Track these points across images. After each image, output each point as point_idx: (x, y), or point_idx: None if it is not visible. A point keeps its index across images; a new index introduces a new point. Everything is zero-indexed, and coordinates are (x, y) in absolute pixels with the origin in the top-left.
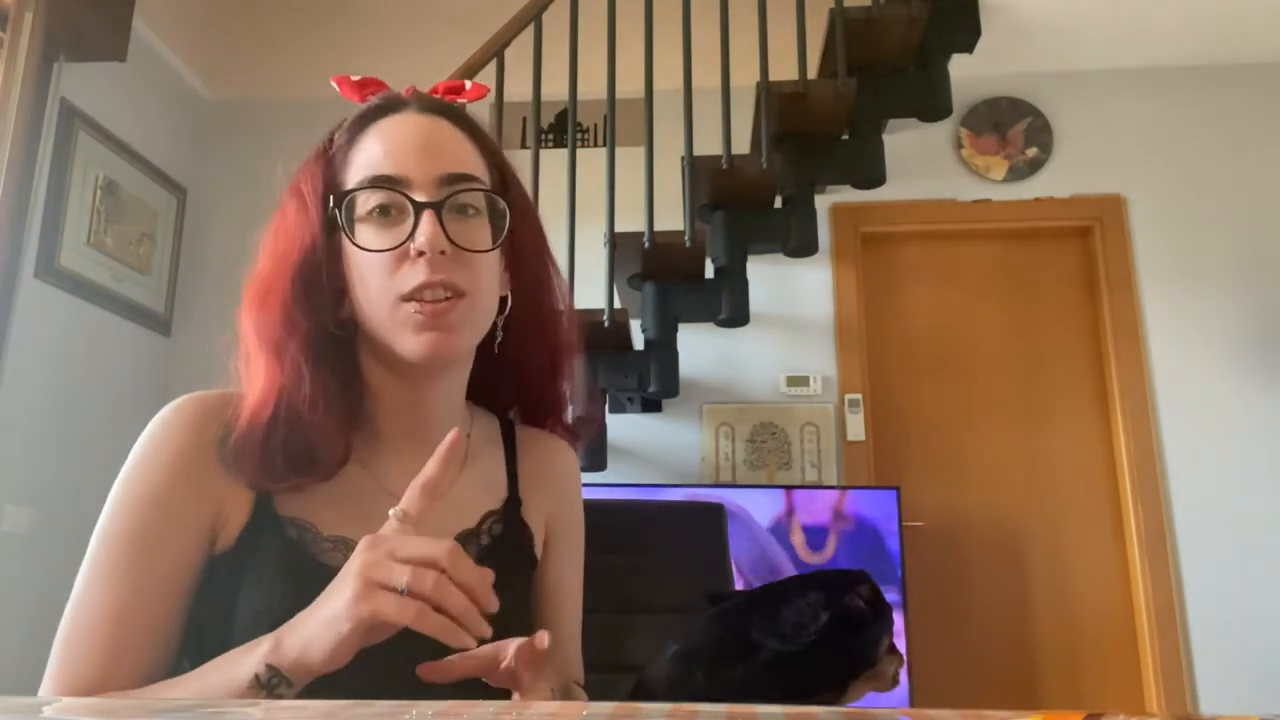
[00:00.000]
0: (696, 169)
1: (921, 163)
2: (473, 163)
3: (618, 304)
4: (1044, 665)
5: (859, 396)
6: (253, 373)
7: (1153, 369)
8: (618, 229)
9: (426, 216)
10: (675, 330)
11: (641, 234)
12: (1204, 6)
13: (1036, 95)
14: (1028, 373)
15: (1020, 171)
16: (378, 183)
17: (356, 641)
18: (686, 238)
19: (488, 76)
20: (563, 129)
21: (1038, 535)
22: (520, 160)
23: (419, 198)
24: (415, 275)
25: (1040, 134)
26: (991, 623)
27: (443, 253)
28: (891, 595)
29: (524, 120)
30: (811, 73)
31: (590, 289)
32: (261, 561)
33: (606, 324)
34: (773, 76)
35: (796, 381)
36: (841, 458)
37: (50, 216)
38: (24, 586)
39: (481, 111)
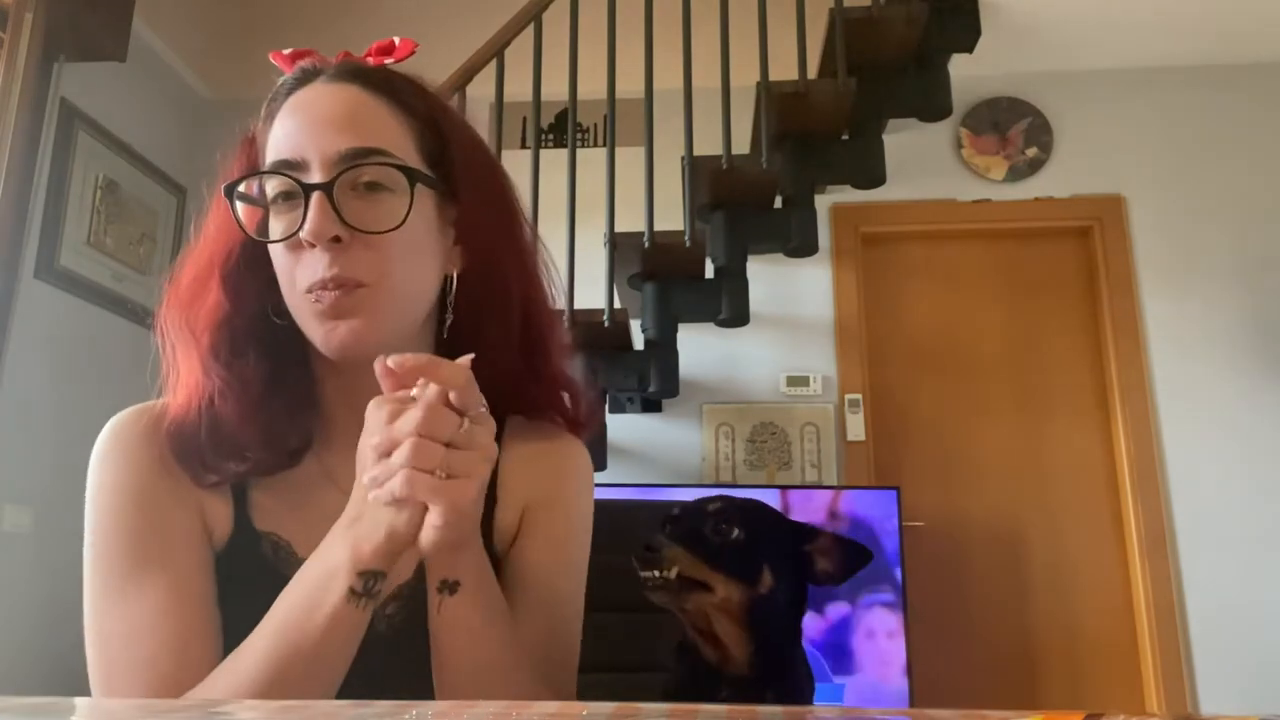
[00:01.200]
0: (696, 169)
1: (921, 163)
2: (386, 133)
3: (618, 304)
4: (1044, 665)
5: (859, 396)
6: (179, 366)
7: (1153, 369)
8: (618, 229)
9: (315, 200)
10: (675, 330)
11: (641, 234)
12: (1204, 6)
13: (1036, 95)
14: (1028, 373)
15: (1020, 171)
16: (274, 168)
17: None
18: (686, 238)
19: (488, 76)
20: (563, 129)
21: (1038, 535)
22: (520, 160)
23: (313, 179)
24: (311, 269)
25: (1040, 134)
26: (991, 623)
27: (337, 239)
28: (892, 595)
29: (524, 120)
30: (811, 73)
31: (590, 289)
32: (239, 576)
33: (606, 324)
34: (773, 76)
35: (796, 381)
36: (841, 458)
37: (50, 216)
38: (24, 586)
39: (481, 112)
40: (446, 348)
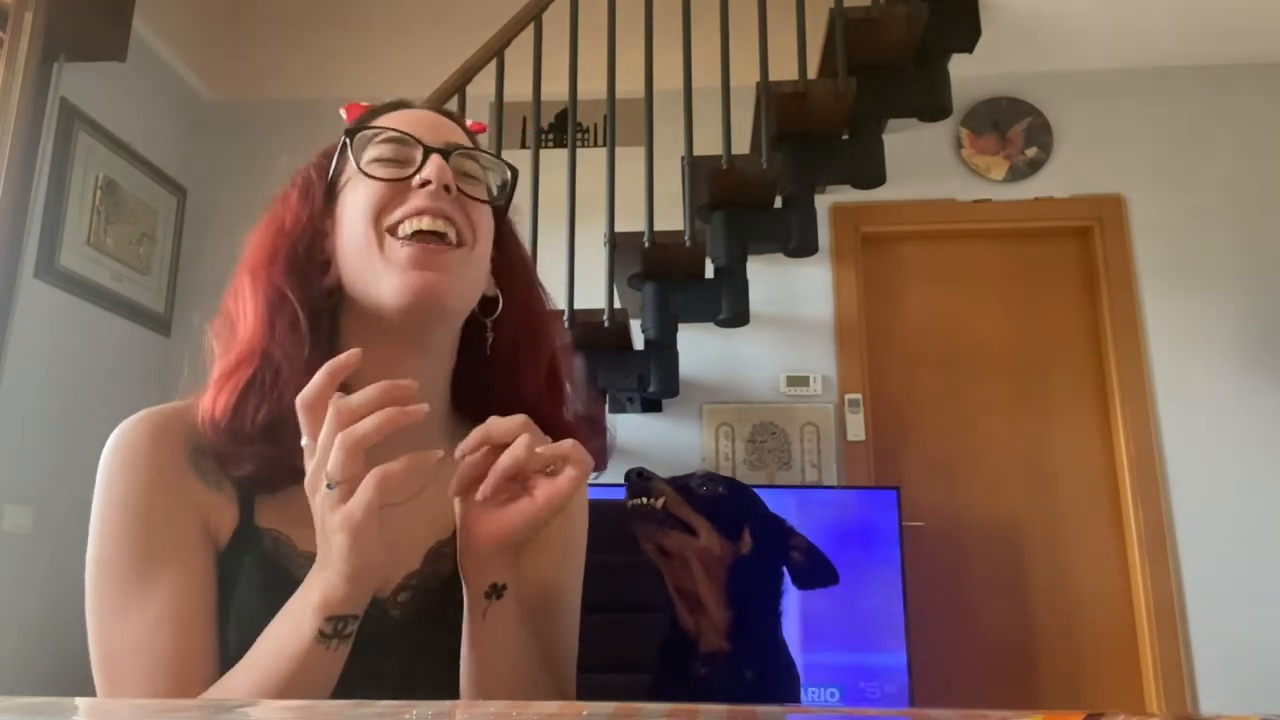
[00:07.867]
0: (696, 169)
1: (921, 163)
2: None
3: (618, 304)
4: (1044, 665)
5: (859, 396)
6: (237, 336)
7: (1153, 369)
8: (618, 229)
9: (435, 157)
10: (675, 330)
11: (641, 234)
12: (1204, 6)
13: (1036, 95)
14: (1028, 373)
15: (1020, 171)
16: (388, 137)
17: (366, 542)
18: (686, 238)
19: (488, 76)
20: (563, 129)
21: (1038, 535)
22: (520, 160)
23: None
24: (414, 201)
25: (1040, 134)
26: (991, 623)
27: (446, 188)
28: (892, 595)
29: (524, 120)
30: (811, 73)
31: (590, 289)
32: (240, 572)
33: (606, 324)
34: (773, 76)
35: (796, 381)
36: (841, 458)
37: (50, 216)
38: (24, 586)
39: (481, 112)
40: (487, 368)
